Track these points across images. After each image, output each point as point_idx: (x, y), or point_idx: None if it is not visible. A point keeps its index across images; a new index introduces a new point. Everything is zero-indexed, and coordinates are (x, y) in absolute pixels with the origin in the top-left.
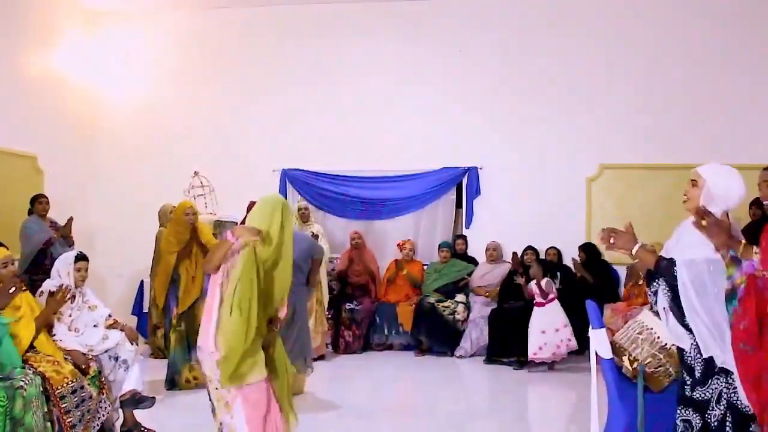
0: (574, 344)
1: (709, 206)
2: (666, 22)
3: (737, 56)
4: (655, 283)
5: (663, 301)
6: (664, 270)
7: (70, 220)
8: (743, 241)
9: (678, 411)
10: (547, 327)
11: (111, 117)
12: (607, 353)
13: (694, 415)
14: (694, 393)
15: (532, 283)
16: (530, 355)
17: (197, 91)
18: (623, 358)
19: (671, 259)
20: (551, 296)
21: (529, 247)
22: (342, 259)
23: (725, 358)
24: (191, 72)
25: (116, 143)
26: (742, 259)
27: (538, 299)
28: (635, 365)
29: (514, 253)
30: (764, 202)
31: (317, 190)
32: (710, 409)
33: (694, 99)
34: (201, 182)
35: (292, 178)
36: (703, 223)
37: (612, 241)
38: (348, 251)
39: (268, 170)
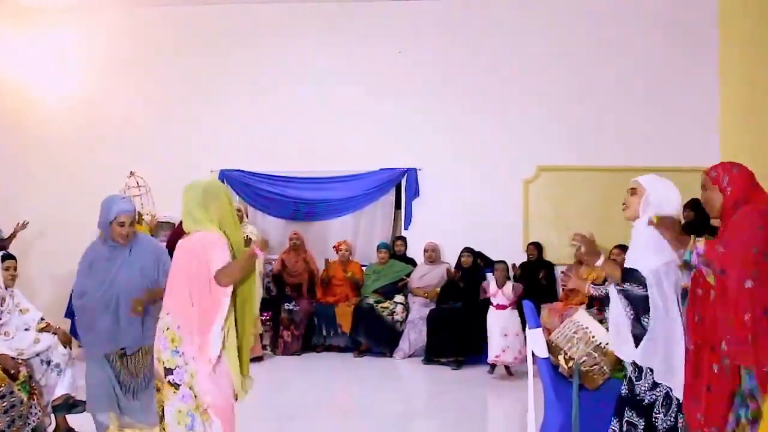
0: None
1: (645, 214)
2: (599, 28)
3: (668, 62)
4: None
5: (618, 310)
6: (631, 280)
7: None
8: (693, 237)
9: (625, 412)
10: (509, 331)
11: (43, 116)
12: (543, 352)
13: (639, 419)
14: (644, 397)
15: (492, 284)
16: (492, 358)
17: (133, 90)
18: (559, 357)
19: (634, 269)
20: (512, 300)
21: (467, 249)
22: (278, 259)
23: (666, 375)
24: (127, 71)
25: (49, 143)
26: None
27: (499, 302)
28: (571, 364)
29: (449, 269)
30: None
31: (255, 190)
32: (656, 411)
33: (627, 102)
34: (137, 182)
35: (230, 179)
36: (654, 219)
37: (583, 249)
38: (285, 251)
39: (206, 171)
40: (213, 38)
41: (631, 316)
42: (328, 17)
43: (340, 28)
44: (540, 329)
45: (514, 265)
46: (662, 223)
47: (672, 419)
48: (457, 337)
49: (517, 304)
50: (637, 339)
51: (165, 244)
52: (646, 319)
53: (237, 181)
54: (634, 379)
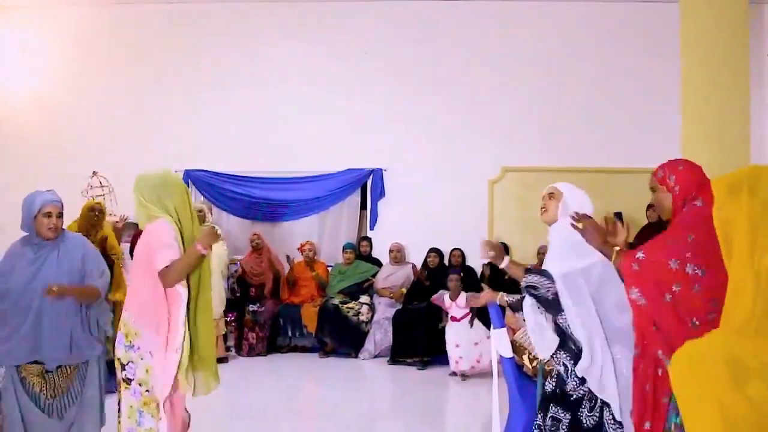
0: (483, 363)
1: (563, 216)
2: (565, 30)
3: (633, 63)
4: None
5: (531, 313)
6: (535, 278)
7: None
8: (617, 248)
9: (550, 408)
10: (463, 341)
11: (5, 115)
12: (507, 352)
13: (564, 414)
14: (572, 392)
15: (446, 297)
16: (452, 367)
17: (97, 89)
18: (524, 356)
19: (541, 270)
20: (466, 312)
21: (433, 249)
22: (244, 260)
23: (595, 379)
24: (91, 69)
25: (10, 142)
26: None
27: (453, 314)
28: (535, 363)
29: (414, 266)
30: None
31: (220, 191)
32: (582, 407)
33: (591, 104)
34: (100, 182)
35: (194, 179)
36: (580, 225)
37: (491, 253)
38: (248, 254)
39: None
40: (178, 38)
41: (547, 316)
42: (294, 18)
43: (306, 28)
44: (505, 329)
45: (485, 265)
46: (586, 232)
47: (597, 416)
48: (422, 338)
49: (479, 311)
50: (561, 338)
51: (129, 244)
52: (561, 319)
53: (201, 181)
54: (564, 374)
